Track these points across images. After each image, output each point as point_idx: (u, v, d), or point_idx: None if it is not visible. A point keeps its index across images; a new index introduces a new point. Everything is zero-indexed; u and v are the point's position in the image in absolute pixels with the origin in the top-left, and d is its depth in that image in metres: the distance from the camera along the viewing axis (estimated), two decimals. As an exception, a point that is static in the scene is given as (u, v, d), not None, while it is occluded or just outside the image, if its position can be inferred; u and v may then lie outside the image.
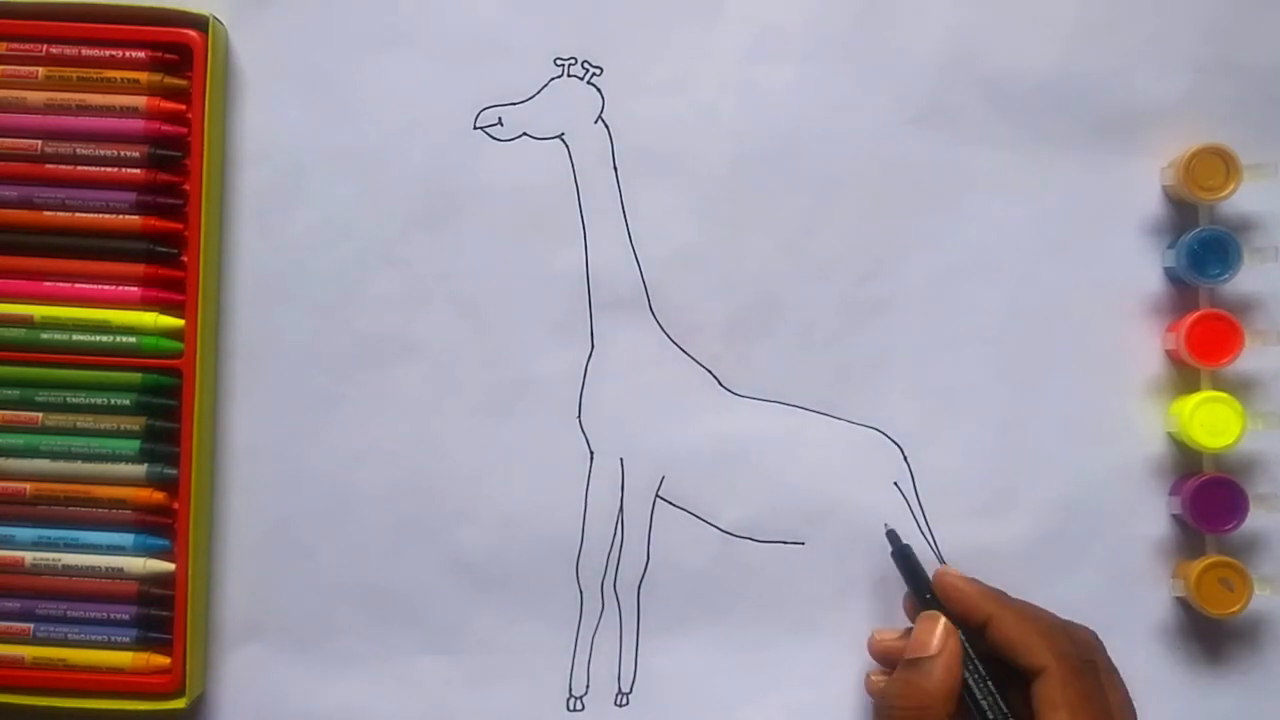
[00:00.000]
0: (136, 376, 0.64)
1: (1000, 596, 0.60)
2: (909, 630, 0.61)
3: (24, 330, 0.64)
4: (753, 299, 0.66)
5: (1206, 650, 0.65)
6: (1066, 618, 0.61)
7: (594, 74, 0.66)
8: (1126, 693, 0.59)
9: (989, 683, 0.58)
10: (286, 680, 0.66)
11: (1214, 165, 0.64)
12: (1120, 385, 0.66)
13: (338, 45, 0.67)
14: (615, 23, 0.67)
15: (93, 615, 0.64)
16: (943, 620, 0.59)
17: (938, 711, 0.57)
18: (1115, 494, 0.66)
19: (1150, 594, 0.65)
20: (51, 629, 0.64)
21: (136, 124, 0.64)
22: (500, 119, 0.66)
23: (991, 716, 0.58)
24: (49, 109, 0.64)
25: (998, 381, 0.66)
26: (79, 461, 0.64)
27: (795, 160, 0.66)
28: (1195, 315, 0.64)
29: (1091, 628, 0.61)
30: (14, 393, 0.64)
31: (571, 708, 0.65)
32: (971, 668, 0.58)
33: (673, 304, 0.66)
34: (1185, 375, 0.66)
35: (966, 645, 0.59)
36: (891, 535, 0.63)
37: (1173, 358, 0.66)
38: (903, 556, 0.63)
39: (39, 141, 0.64)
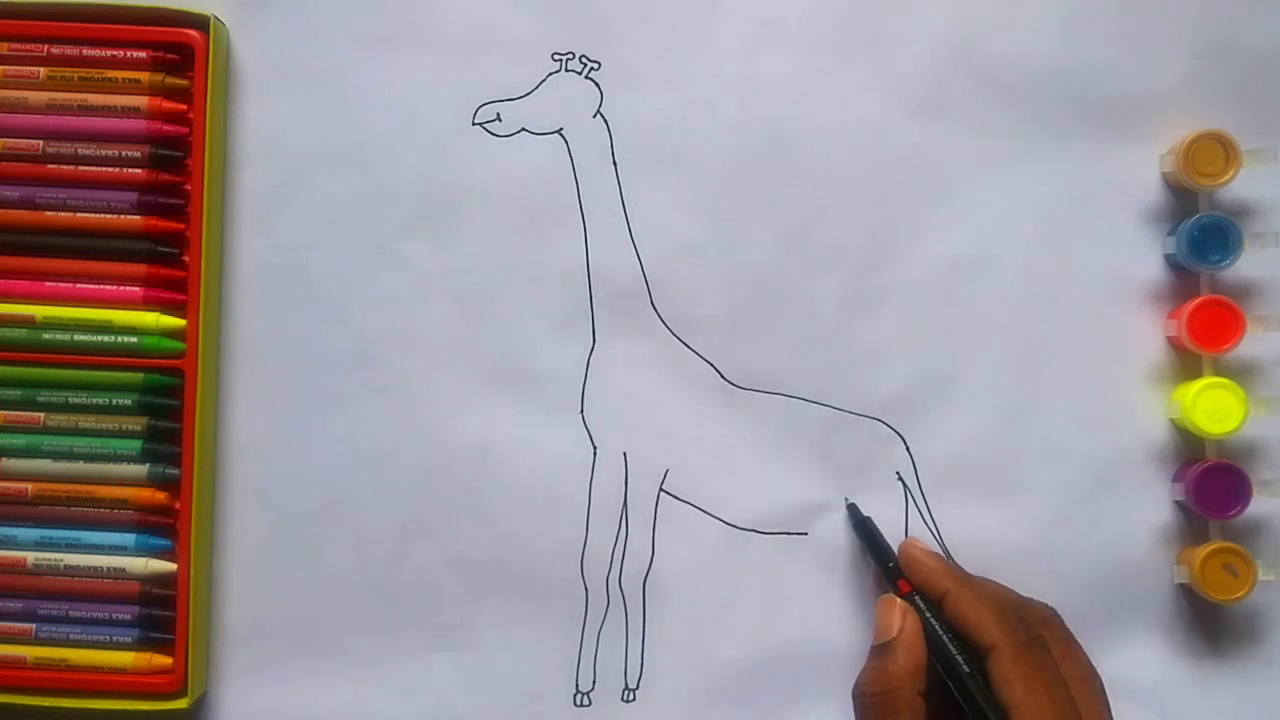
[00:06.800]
0: (138, 376, 0.64)
1: (959, 574, 0.61)
2: None
3: (26, 330, 0.64)
4: (754, 291, 0.66)
5: (1210, 637, 0.65)
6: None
7: (592, 68, 0.67)
8: (1086, 663, 0.59)
9: (960, 655, 0.58)
10: (290, 680, 0.65)
11: (1213, 151, 0.64)
12: (1122, 372, 0.66)
13: (338, 44, 0.67)
14: (613, 17, 0.67)
15: (95, 615, 0.64)
16: (899, 602, 0.60)
17: (906, 691, 0.58)
18: (1118, 481, 0.66)
19: (1154, 581, 0.65)
20: (53, 629, 0.64)
21: (138, 124, 0.65)
22: (498, 114, 0.66)
23: (966, 670, 0.58)
24: (50, 109, 0.65)
25: (999, 370, 0.66)
26: (81, 462, 0.64)
27: (795, 152, 0.66)
28: (1196, 302, 0.64)
29: (1053, 606, 0.61)
30: (16, 393, 0.64)
31: (579, 704, 0.65)
32: (943, 637, 0.59)
33: (674, 297, 0.66)
34: (1187, 362, 0.66)
35: (935, 620, 0.59)
36: (852, 509, 0.64)
37: (1174, 344, 0.66)
38: (863, 528, 0.64)
39: (40, 141, 0.65)
